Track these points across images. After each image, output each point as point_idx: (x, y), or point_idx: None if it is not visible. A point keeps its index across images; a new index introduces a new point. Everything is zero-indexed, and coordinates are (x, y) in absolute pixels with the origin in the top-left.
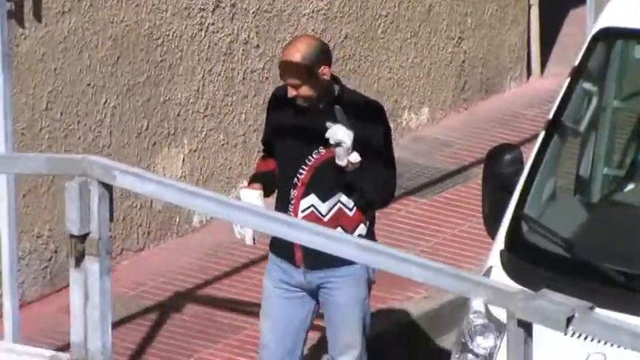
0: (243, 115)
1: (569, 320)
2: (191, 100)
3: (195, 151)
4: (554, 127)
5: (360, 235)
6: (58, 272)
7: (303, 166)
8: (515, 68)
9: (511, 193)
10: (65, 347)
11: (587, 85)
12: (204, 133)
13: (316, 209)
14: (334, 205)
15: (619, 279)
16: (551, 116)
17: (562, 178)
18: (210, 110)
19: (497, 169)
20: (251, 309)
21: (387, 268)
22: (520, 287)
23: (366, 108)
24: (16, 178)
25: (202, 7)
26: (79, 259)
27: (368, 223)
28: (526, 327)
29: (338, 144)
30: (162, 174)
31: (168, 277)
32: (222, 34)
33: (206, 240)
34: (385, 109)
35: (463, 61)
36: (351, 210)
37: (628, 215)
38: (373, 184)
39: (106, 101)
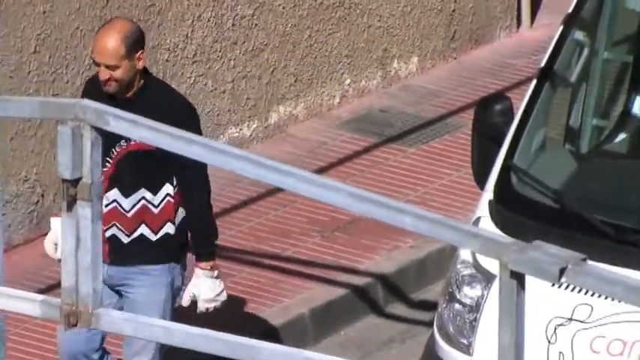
0: (232, 61)
1: (561, 272)
2: (180, 46)
3: None
4: (545, 76)
5: (167, 234)
6: (44, 216)
7: (108, 159)
8: (506, 18)
9: (500, 143)
10: (49, 291)
11: (579, 35)
12: (193, 79)
13: (119, 204)
14: (138, 202)
15: (608, 231)
16: (542, 65)
17: (552, 129)
18: (199, 56)
19: (487, 119)
20: (239, 256)
21: (379, 217)
22: (513, 239)
23: (174, 104)
24: (2, 120)
25: None
26: (71, 204)
27: (177, 222)
28: (519, 278)
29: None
30: None
31: None
32: None
33: None
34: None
35: (453, 10)
36: (156, 207)
37: (617, 166)
38: (193, 199)
39: None
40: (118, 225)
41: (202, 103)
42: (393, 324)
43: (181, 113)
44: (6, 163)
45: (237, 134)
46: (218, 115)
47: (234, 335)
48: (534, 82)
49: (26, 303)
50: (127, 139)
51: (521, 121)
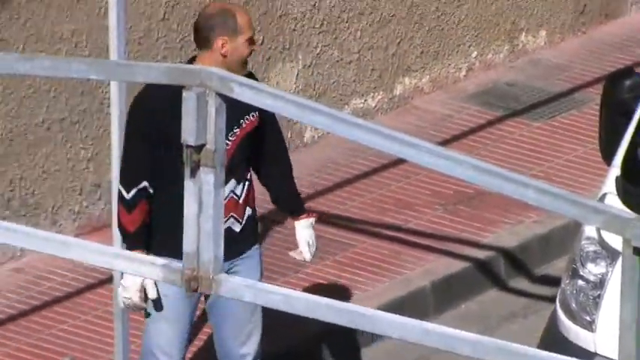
0: (358, 32)
1: None
2: (307, 15)
3: (309, 66)
4: None
5: (255, 208)
6: None
7: None
8: None
9: (629, 119)
10: None
11: None
12: (319, 49)
13: (234, 193)
14: (245, 184)
15: None
16: None
17: None
18: (325, 26)
19: (616, 95)
20: (361, 226)
21: (502, 190)
22: (637, 214)
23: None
24: (130, 87)
25: None
26: (194, 170)
27: None
28: None
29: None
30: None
31: None
32: None
33: (317, 156)
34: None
35: None
36: (251, 185)
37: None
38: (289, 179)
39: None
40: (235, 215)
41: (328, 74)
42: (515, 299)
43: None
44: None
45: (361, 105)
46: (343, 85)
47: (353, 305)
48: None
49: (148, 267)
50: (239, 125)
51: None
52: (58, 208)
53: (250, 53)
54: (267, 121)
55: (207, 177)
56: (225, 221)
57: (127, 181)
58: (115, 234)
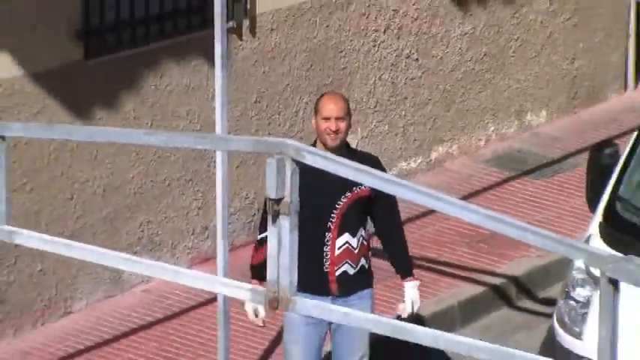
0: (403, 111)
1: None
2: (364, 99)
3: (365, 137)
4: None
5: (369, 260)
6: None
7: (333, 212)
8: (615, 82)
9: (609, 178)
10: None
11: None
12: (373, 124)
13: (350, 245)
14: (360, 239)
15: None
16: None
17: None
18: (378, 107)
19: (599, 160)
20: None
21: (508, 233)
22: (611, 252)
23: (372, 160)
24: (230, 153)
25: (376, 28)
26: (275, 217)
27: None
28: (614, 284)
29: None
30: None
31: None
32: (390, 50)
33: None
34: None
35: (575, 76)
36: (365, 240)
37: None
38: (400, 232)
39: (301, 98)
40: (349, 261)
41: (380, 143)
42: (522, 315)
43: (378, 165)
44: (232, 185)
45: (405, 167)
46: (391, 152)
47: (396, 320)
48: (636, 132)
49: (241, 291)
50: (351, 191)
51: (625, 161)
52: (176, 245)
53: (328, 130)
54: (380, 195)
55: (285, 222)
56: (341, 266)
57: (259, 227)
58: (218, 264)
